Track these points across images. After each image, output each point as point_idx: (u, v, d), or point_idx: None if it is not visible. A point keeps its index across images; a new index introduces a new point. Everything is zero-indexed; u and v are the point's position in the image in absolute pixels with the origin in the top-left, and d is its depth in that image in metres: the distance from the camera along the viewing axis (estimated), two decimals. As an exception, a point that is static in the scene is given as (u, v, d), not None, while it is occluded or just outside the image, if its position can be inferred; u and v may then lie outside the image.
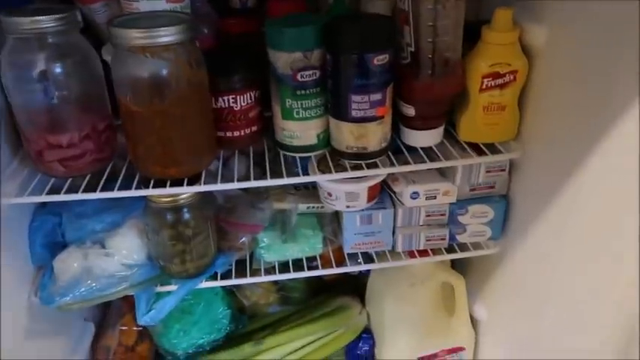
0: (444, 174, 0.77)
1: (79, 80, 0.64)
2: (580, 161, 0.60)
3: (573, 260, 0.64)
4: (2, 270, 0.66)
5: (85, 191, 0.64)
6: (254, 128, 0.72)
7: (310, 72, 0.66)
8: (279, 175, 0.68)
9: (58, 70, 0.62)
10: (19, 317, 0.71)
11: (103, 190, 0.64)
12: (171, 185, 0.65)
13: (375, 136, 0.68)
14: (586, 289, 0.62)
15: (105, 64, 0.67)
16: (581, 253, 0.62)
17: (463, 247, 0.81)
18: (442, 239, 0.78)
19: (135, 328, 0.88)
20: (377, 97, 0.65)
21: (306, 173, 0.71)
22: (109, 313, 0.92)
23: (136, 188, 0.65)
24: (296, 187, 0.82)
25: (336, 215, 0.82)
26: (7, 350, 0.66)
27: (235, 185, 0.67)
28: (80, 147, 0.64)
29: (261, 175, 0.68)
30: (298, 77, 0.66)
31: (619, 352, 0.58)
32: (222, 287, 0.92)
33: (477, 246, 0.81)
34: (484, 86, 0.68)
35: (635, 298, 0.54)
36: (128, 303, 0.89)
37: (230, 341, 0.89)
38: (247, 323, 0.94)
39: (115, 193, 0.64)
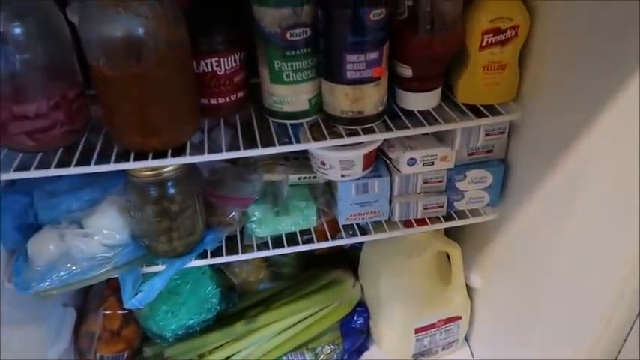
0: (441, 139, 0.74)
1: (42, 42, 0.57)
2: (583, 124, 0.57)
3: (574, 229, 0.62)
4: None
5: (58, 166, 0.58)
6: (240, 94, 0.67)
7: (300, 30, 0.61)
8: (271, 144, 0.64)
9: (17, 30, 0.55)
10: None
11: (78, 164, 0.58)
12: (154, 158, 0.60)
13: (371, 99, 0.63)
14: (586, 259, 0.60)
15: (71, 26, 0.61)
16: (583, 221, 0.60)
17: (461, 215, 0.78)
18: (440, 207, 0.76)
19: (119, 312, 0.83)
20: (373, 56, 0.60)
21: (298, 141, 0.66)
22: (89, 297, 0.87)
23: (116, 162, 0.59)
24: (285, 157, 0.78)
25: (329, 186, 0.78)
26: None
27: (224, 156, 0.62)
28: (49, 118, 0.58)
29: (251, 145, 0.64)
30: (287, 36, 0.61)
31: (618, 327, 0.57)
32: (210, 265, 0.88)
33: (475, 213, 0.79)
34: (484, 43, 0.64)
35: (636, 269, 0.53)
36: (110, 286, 0.84)
37: (221, 321, 0.86)
38: (238, 301, 0.91)
39: (93, 168, 0.59)
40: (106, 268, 0.65)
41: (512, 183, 0.76)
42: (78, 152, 0.60)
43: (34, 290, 0.62)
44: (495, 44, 0.65)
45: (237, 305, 0.90)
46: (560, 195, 0.64)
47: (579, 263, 0.62)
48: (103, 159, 0.60)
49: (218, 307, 0.86)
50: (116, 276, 0.67)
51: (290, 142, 0.65)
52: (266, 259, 0.94)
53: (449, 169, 0.74)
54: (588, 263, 0.60)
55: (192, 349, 0.82)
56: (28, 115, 0.57)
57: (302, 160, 0.77)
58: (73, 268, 0.64)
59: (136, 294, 0.67)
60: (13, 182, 0.70)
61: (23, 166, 0.59)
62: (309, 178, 0.76)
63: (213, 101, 0.66)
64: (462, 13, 0.63)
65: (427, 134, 0.74)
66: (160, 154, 0.60)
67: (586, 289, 0.61)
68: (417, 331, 0.86)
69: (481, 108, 0.69)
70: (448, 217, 0.78)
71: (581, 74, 0.58)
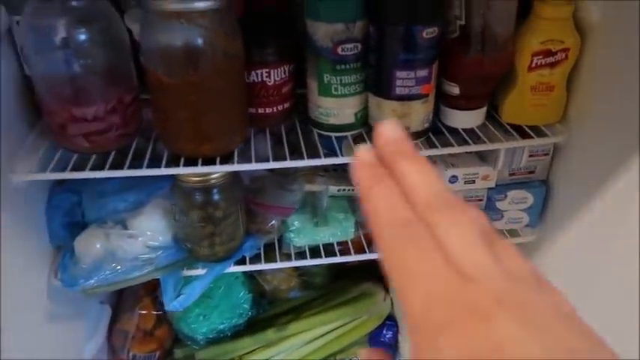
0: (483, 158, 0.74)
1: (103, 48, 0.59)
2: (630, 149, 0.57)
3: (617, 257, 0.61)
4: (19, 250, 0.62)
5: (111, 168, 0.60)
6: (286, 105, 0.68)
7: (352, 45, 0.62)
8: (316, 155, 0.64)
9: (80, 36, 0.57)
10: (38, 300, 0.67)
11: (130, 167, 0.60)
12: (203, 164, 0.61)
13: (418, 116, 0.64)
14: (631, 289, 0.59)
15: (128, 32, 0.63)
16: (627, 250, 0.59)
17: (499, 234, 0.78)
18: (479, 225, 0.75)
19: (154, 312, 0.84)
20: (423, 73, 0.61)
21: (342, 153, 0.67)
22: (124, 296, 0.89)
23: (166, 166, 0.61)
24: (325, 168, 0.79)
25: (367, 199, 0.78)
26: (26, 333, 0.62)
27: (271, 165, 0.63)
28: (106, 121, 0.60)
29: (297, 155, 0.65)
30: (339, 51, 0.62)
31: None
32: (243, 272, 0.89)
33: (513, 233, 0.78)
34: (534, 64, 0.64)
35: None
36: (145, 286, 0.86)
37: (251, 327, 0.87)
38: (268, 308, 0.91)
39: (144, 171, 0.60)
40: (148, 270, 0.67)
41: (553, 205, 0.75)
42: (130, 155, 0.62)
43: (81, 287, 0.64)
44: (545, 66, 0.64)
45: (267, 312, 0.91)
46: (606, 220, 0.63)
47: (620, 289, 0.61)
48: (154, 163, 0.62)
49: (249, 313, 0.87)
50: (158, 277, 0.68)
51: (335, 154, 0.66)
52: (297, 267, 0.94)
53: (489, 188, 0.74)
54: (630, 290, 0.59)
55: (223, 353, 0.83)
56: (87, 118, 0.59)
57: (341, 172, 0.78)
58: (118, 267, 0.65)
59: (177, 297, 0.68)
60: (63, 181, 0.72)
61: (78, 167, 0.61)
62: (349, 190, 0.76)
63: (260, 111, 0.67)
64: (514, 33, 0.63)
65: (470, 153, 0.74)
66: (209, 161, 0.61)
67: (628, 316, 0.59)
68: (448, 348, 0.85)
69: (526, 128, 0.69)
70: (486, 236, 0.77)
71: (630, 97, 0.57)
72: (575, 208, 0.69)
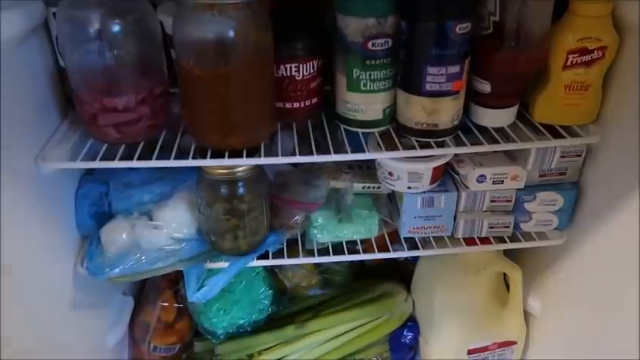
0: (512, 157, 0.72)
1: (136, 40, 0.60)
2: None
3: None
4: (47, 238, 0.63)
5: (140, 159, 0.60)
6: (314, 100, 0.68)
7: (382, 40, 0.61)
8: (343, 151, 0.64)
9: (114, 28, 0.58)
10: (64, 287, 0.68)
11: (158, 158, 0.60)
12: (230, 157, 0.61)
13: (447, 113, 0.63)
14: None
15: (160, 25, 0.63)
16: None
17: (527, 237, 0.76)
18: (506, 227, 0.74)
19: (175, 305, 0.85)
20: (455, 69, 0.60)
21: (368, 149, 0.66)
22: (146, 288, 0.89)
23: (193, 158, 0.61)
24: (350, 165, 0.78)
25: (391, 197, 0.78)
26: (52, 320, 0.63)
27: (296, 159, 0.63)
28: (136, 112, 0.60)
29: (323, 151, 0.64)
30: (369, 46, 0.61)
31: None
32: (264, 267, 0.89)
33: (541, 236, 0.76)
34: (569, 63, 0.63)
35: None
36: (167, 278, 0.86)
37: (271, 323, 0.86)
38: (288, 305, 0.91)
39: (172, 163, 0.60)
40: (172, 261, 0.67)
41: (584, 208, 0.73)
42: (158, 146, 0.62)
43: (107, 276, 0.64)
44: (580, 64, 0.63)
45: (287, 309, 0.90)
46: (632, 222, 0.62)
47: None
48: (182, 154, 0.62)
49: (269, 309, 0.87)
50: (181, 269, 0.69)
51: (362, 150, 0.65)
52: (318, 265, 0.94)
53: (518, 189, 0.72)
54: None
55: (243, 348, 0.83)
56: (117, 108, 0.59)
57: (366, 170, 0.77)
58: (143, 258, 0.66)
59: (200, 289, 0.68)
60: (91, 171, 0.73)
61: (107, 156, 0.61)
62: (373, 187, 0.76)
63: (288, 105, 0.67)
64: (549, 31, 0.62)
65: (498, 152, 0.73)
66: (236, 154, 0.61)
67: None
68: (470, 352, 0.84)
69: (558, 128, 0.67)
70: (513, 238, 0.76)
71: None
72: (607, 212, 0.67)
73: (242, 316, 0.85)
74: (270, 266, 0.88)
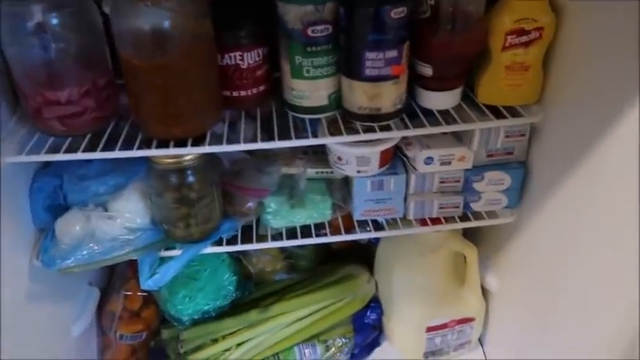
0: (460, 139, 0.74)
1: (77, 32, 0.60)
2: (606, 128, 0.56)
3: (594, 235, 0.61)
4: (4, 231, 0.64)
5: (85, 151, 0.61)
6: (262, 88, 0.69)
7: (322, 27, 0.62)
8: (288, 137, 0.65)
9: (55, 20, 0.58)
10: (21, 280, 0.69)
11: (103, 149, 0.61)
12: (175, 146, 0.62)
13: (389, 97, 0.64)
14: (606, 267, 0.59)
15: (105, 17, 0.64)
16: (603, 228, 0.59)
17: (477, 216, 0.78)
18: (456, 207, 0.76)
19: (139, 294, 0.86)
20: (392, 54, 0.61)
21: (315, 135, 0.67)
22: (113, 278, 0.91)
23: (139, 148, 0.62)
24: (305, 151, 0.79)
25: (346, 181, 0.79)
26: (9, 313, 0.64)
27: (242, 147, 0.64)
28: (80, 104, 0.61)
29: (269, 137, 0.65)
30: (309, 32, 0.62)
31: (635, 332, 0.56)
32: (229, 254, 0.90)
33: (491, 215, 0.78)
34: (507, 44, 0.64)
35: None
36: (132, 268, 0.88)
37: (236, 308, 0.88)
38: (254, 291, 0.93)
39: (117, 153, 0.61)
40: (126, 250, 0.68)
41: (532, 186, 0.75)
42: (104, 138, 0.63)
43: (58, 267, 0.66)
44: (519, 45, 0.64)
45: (252, 294, 0.92)
46: (577, 198, 0.63)
47: (596, 268, 0.61)
48: (128, 145, 0.63)
49: (234, 295, 0.88)
50: (135, 258, 0.70)
51: (307, 136, 0.66)
52: (283, 250, 0.95)
53: (466, 170, 0.74)
54: (606, 268, 0.59)
55: (207, 333, 0.85)
56: (60, 101, 0.60)
57: (320, 155, 0.78)
58: (96, 248, 0.67)
59: (152, 275, 0.69)
60: (46, 165, 0.74)
61: (53, 149, 0.62)
62: (327, 172, 0.77)
63: (235, 94, 0.68)
64: (485, 12, 0.63)
65: (446, 134, 0.74)
66: (181, 143, 0.62)
67: (604, 294, 0.59)
68: (429, 330, 0.86)
69: (501, 109, 0.69)
70: (464, 218, 0.78)
71: (603, 77, 0.57)
72: (553, 189, 0.69)
73: (207, 303, 0.86)
74: (231, 253, 0.89)
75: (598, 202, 0.60)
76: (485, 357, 0.93)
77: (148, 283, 0.69)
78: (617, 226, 0.57)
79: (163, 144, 0.62)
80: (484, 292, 0.89)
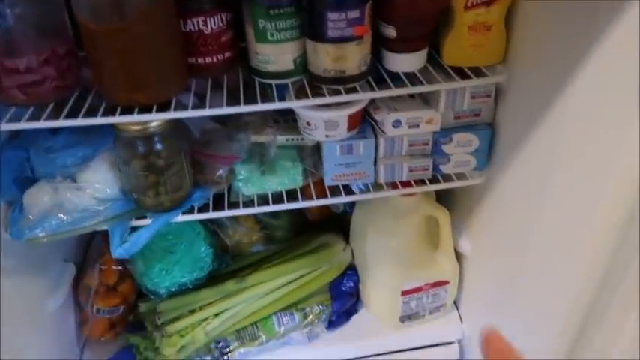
0: (427, 102, 0.74)
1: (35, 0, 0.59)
2: (566, 84, 0.57)
3: (559, 192, 0.62)
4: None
5: (48, 119, 0.60)
6: (227, 54, 0.68)
7: (284, -12, 0.61)
8: (254, 102, 0.65)
9: (10, -14, 0.57)
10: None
11: (67, 118, 0.61)
12: (140, 113, 0.62)
13: (353, 59, 0.64)
14: (570, 222, 0.60)
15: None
16: (568, 183, 0.60)
17: (447, 178, 0.79)
18: (425, 170, 0.76)
19: (115, 267, 0.86)
20: (354, 14, 0.61)
21: (282, 100, 0.67)
22: (89, 253, 0.90)
23: (103, 116, 0.61)
24: (276, 120, 0.79)
25: (317, 148, 0.79)
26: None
27: (207, 112, 0.64)
28: (39, 72, 0.60)
29: (235, 102, 0.65)
30: (271, -6, 0.61)
31: (600, 286, 0.57)
32: (204, 227, 0.90)
33: (461, 177, 0.79)
34: (469, 4, 0.64)
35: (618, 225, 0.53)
36: (107, 243, 0.87)
37: (213, 280, 0.89)
38: (231, 262, 0.93)
39: (80, 121, 0.61)
40: (96, 220, 0.68)
41: (500, 147, 0.76)
42: (68, 107, 0.63)
43: (27, 237, 0.65)
44: (480, 4, 0.64)
45: (230, 266, 0.93)
46: (542, 157, 0.65)
47: (561, 224, 0.62)
48: (92, 114, 0.62)
49: (211, 267, 0.89)
50: (106, 228, 0.70)
51: (273, 100, 0.66)
52: (258, 222, 0.96)
53: (435, 132, 0.74)
54: (569, 223, 0.60)
55: (184, 304, 0.85)
56: (19, 69, 0.59)
57: (291, 123, 0.78)
58: (65, 218, 0.67)
59: (123, 244, 0.70)
60: (12, 138, 0.73)
61: (16, 119, 0.61)
62: (297, 139, 0.77)
63: (200, 60, 0.67)
64: (446, -29, 0.63)
65: (414, 97, 0.75)
66: (146, 110, 0.62)
67: (568, 249, 0.61)
68: (404, 293, 0.87)
69: (466, 70, 0.69)
70: (434, 181, 0.79)
71: (563, 34, 0.57)
72: (519, 149, 0.70)
73: (183, 275, 0.87)
74: (206, 225, 0.90)
75: (561, 160, 0.61)
76: (460, 319, 0.95)
77: (118, 251, 0.69)
78: (580, 182, 0.58)
79: (128, 111, 0.62)
80: (458, 255, 0.91)
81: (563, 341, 0.63)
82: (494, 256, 0.82)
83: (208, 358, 0.86)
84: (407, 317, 0.91)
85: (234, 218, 0.92)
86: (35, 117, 0.61)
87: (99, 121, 0.61)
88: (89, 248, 0.92)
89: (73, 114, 0.62)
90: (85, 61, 0.64)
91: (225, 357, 0.87)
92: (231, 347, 0.87)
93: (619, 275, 0.55)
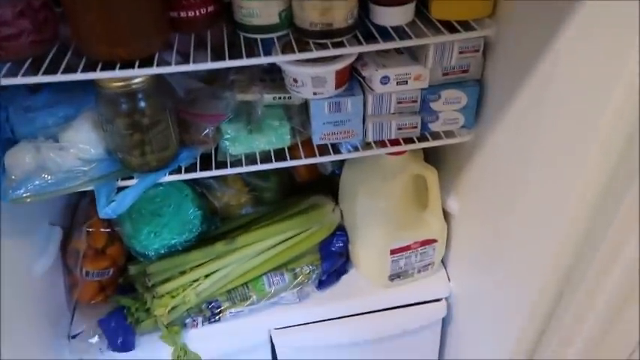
0: (415, 58, 0.73)
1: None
2: (555, 37, 0.56)
3: (547, 149, 0.62)
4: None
5: (25, 75, 0.59)
6: (210, 8, 0.66)
7: (267, -64, 0.59)
8: (239, 57, 0.63)
9: None
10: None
11: (45, 73, 0.59)
12: (122, 68, 0.60)
13: (340, 11, 0.63)
14: (559, 181, 0.60)
15: None
16: (556, 141, 0.60)
17: (435, 136, 0.79)
18: (414, 127, 0.76)
19: (102, 230, 0.86)
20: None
21: (267, 55, 0.66)
22: (76, 216, 0.90)
23: (83, 71, 0.59)
24: (262, 79, 0.78)
25: (305, 107, 0.78)
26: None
27: (191, 67, 0.62)
28: (15, 25, 0.58)
29: (219, 58, 0.63)
30: (254, -57, 0.59)
31: (583, 244, 0.58)
32: (192, 189, 0.90)
33: (449, 134, 0.79)
34: (459, -47, 0.63)
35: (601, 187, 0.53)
36: (94, 206, 0.86)
37: (203, 242, 0.89)
38: (220, 225, 0.93)
39: (59, 77, 0.59)
40: (81, 181, 0.67)
41: (488, 104, 0.75)
42: (46, 63, 0.61)
43: (10, 198, 0.64)
44: (470, -46, 0.63)
45: (219, 228, 0.93)
46: (530, 113, 0.64)
47: (547, 182, 0.62)
48: (71, 70, 0.60)
49: (200, 229, 0.89)
50: (92, 188, 0.69)
51: (258, 55, 0.65)
52: (247, 184, 0.96)
53: (423, 89, 0.74)
54: (555, 182, 0.61)
55: (174, 266, 0.85)
56: (-7, 22, 0.57)
57: (279, 81, 0.77)
58: (49, 178, 0.65)
59: (110, 203, 0.69)
60: (-9, 97, 0.71)
61: (-7, 76, 0.59)
62: (285, 98, 0.76)
63: (182, 14, 0.65)
64: None
65: (402, 54, 0.74)
66: (128, 65, 0.60)
67: (553, 207, 0.61)
68: (392, 252, 0.88)
69: (455, 24, 0.68)
70: (422, 138, 0.78)
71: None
72: (508, 106, 0.70)
73: (172, 237, 0.87)
74: (194, 188, 0.89)
75: (549, 117, 0.61)
76: (448, 277, 0.97)
77: (105, 210, 0.68)
78: (567, 141, 0.58)
79: (109, 67, 0.60)
80: (446, 215, 0.92)
81: (544, 298, 0.64)
82: (482, 215, 0.83)
83: (200, 318, 0.87)
84: (396, 276, 0.92)
85: (223, 180, 0.92)
86: (12, 73, 0.59)
87: (79, 76, 0.59)
88: (76, 212, 0.92)
89: (51, 70, 0.60)
90: (62, 18, 0.62)
91: (217, 317, 0.88)
92: (222, 307, 0.88)
93: (601, 235, 0.56)
